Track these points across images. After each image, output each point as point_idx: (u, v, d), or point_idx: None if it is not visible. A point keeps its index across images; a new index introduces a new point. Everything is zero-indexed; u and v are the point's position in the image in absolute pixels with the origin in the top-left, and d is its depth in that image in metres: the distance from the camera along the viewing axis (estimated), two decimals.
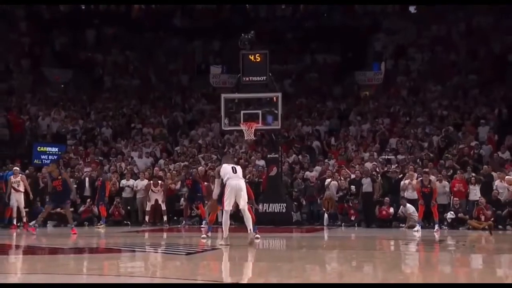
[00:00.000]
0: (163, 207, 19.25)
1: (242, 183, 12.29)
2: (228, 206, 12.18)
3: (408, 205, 18.38)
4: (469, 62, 29.23)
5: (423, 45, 31.10)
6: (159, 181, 19.43)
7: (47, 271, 9.11)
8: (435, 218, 17.11)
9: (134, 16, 35.24)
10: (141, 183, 20.05)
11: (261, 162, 21.21)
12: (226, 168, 12.30)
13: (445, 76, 28.40)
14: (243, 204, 12.20)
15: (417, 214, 17.55)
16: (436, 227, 16.92)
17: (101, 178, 19.40)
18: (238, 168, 12.55)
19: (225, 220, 12.32)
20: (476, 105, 25.20)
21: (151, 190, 19.29)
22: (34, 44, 31.97)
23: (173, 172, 20.74)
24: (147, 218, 19.38)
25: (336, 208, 19.56)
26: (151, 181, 19.44)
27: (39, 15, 34.31)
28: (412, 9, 34.81)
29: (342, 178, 19.78)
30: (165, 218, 19.20)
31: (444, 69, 29.15)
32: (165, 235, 16.81)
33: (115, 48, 32.79)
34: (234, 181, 12.13)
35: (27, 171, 20.11)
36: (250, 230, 12.19)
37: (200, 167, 20.62)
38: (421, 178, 17.25)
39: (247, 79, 19.08)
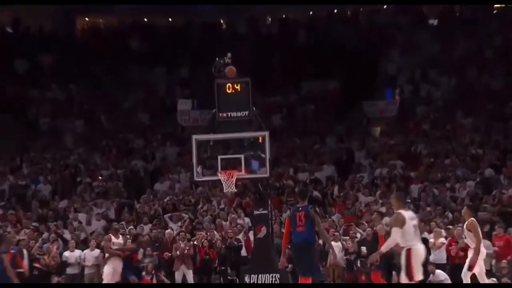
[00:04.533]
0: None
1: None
2: (419, 276, 11.96)
3: (437, 271, 18.40)
4: (507, 86, 29.57)
5: (449, 66, 31.47)
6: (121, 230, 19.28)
7: None
8: None
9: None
10: (91, 254, 19.88)
11: (245, 221, 21.26)
12: (409, 225, 11.85)
13: (478, 104, 28.72)
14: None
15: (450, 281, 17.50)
16: None
17: (12, 251, 16.87)
18: (416, 223, 12.19)
19: None
20: None
21: (109, 248, 18.48)
22: None
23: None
24: None
25: (344, 277, 19.56)
26: (109, 233, 18.97)
27: None
28: (432, 20, 35.29)
29: (349, 239, 19.84)
30: None
31: (476, 95, 29.51)
32: None
33: (54, 82, 32.91)
34: (421, 246, 12.14)
35: None
36: None
37: (168, 230, 20.62)
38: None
39: (224, 115, 19.16)
